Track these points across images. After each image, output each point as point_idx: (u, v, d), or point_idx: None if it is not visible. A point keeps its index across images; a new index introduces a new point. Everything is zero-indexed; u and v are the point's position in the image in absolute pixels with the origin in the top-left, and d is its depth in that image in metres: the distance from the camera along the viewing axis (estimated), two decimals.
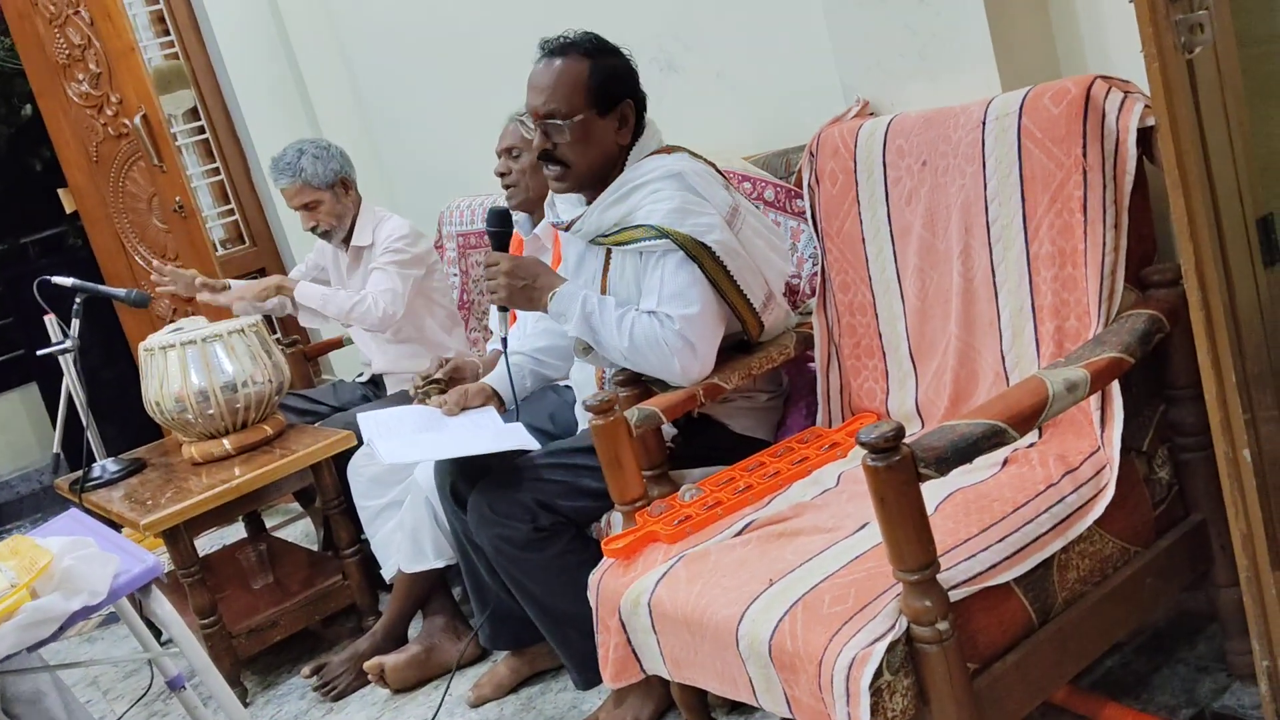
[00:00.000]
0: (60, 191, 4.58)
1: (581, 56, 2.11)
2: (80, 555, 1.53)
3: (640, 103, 2.17)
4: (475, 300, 3.70)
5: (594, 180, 2.17)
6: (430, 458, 2.26)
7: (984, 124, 1.83)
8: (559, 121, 2.10)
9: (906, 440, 1.41)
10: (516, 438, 2.18)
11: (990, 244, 1.83)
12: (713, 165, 2.19)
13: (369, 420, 2.41)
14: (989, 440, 1.46)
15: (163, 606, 1.57)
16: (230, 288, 3.40)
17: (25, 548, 1.63)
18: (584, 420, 2.46)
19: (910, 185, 1.95)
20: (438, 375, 2.68)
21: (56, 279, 3.09)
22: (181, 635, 1.58)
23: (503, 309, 2.30)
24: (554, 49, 2.13)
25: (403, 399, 3.07)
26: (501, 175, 2.81)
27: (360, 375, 3.63)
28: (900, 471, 1.39)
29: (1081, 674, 1.85)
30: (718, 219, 2.07)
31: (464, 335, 3.58)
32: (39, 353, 3.04)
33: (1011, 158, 1.79)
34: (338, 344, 3.97)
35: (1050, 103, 1.74)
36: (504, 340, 2.40)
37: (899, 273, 2.00)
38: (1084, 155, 1.70)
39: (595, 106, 2.11)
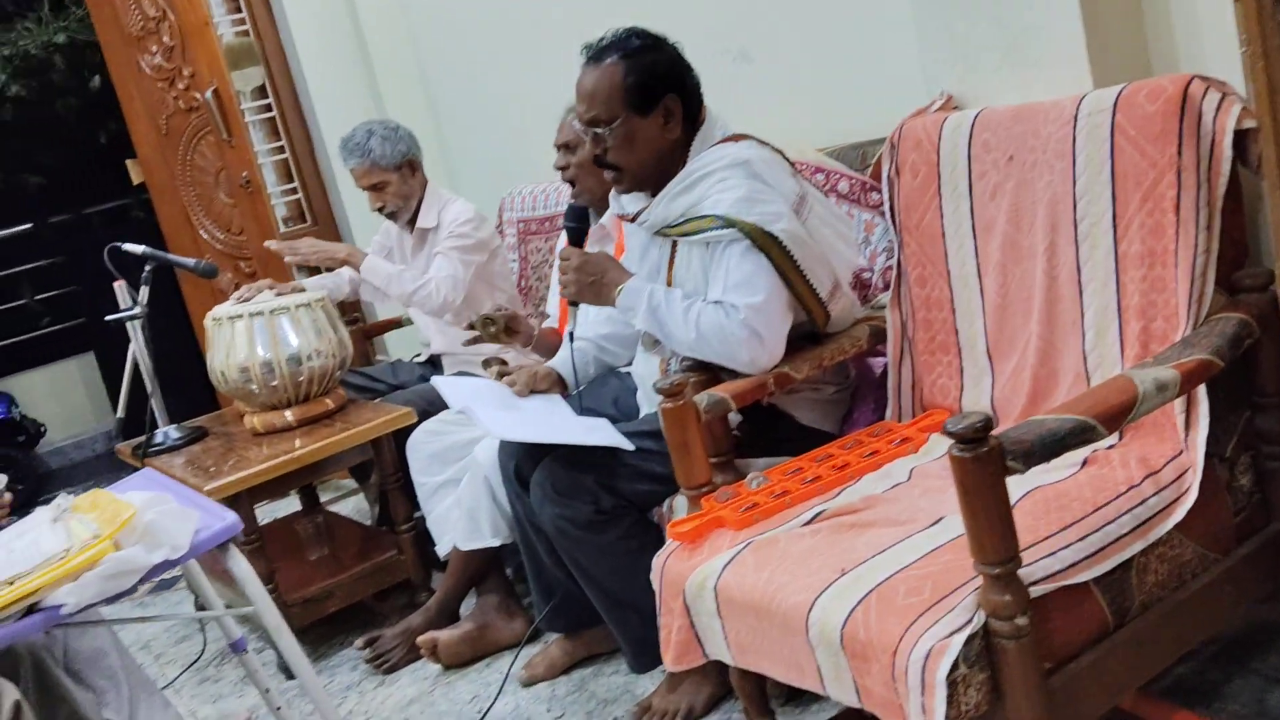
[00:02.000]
0: (129, 163, 4.64)
1: (618, 59, 2.11)
2: (162, 510, 1.55)
3: (689, 93, 2.16)
4: (533, 286, 3.72)
5: (651, 179, 2.18)
6: (535, 439, 2.24)
7: (1075, 120, 1.80)
8: (600, 130, 2.12)
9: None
10: (614, 435, 2.17)
11: (1077, 241, 1.81)
12: (780, 153, 2.18)
13: (452, 387, 2.42)
14: (1076, 436, 1.44)
15: (239, 564, 1.59)
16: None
17: (105, 501, 1.66)
18: (646, 406, 2.46)
19: (995, 180, 1.93)
20: (494, 315, 2.68)
21: (127, 246, 3.12)
22: (257, 593, 1.60)
23: (573, 304, 2.31)
24: (592, 54, 2.15)
25: None
26: (561, 169, 2.82)
27: (418, 355, 3.65)
28: (987, 463, 1.37)
29: (1152, 681, 1.82)
30: (785, 207, 2.06)
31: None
32: (107, 318, 3.07)
33: (1103, 154, 1.77)
34: (396, 324, 3.99)
35: (1146, 100, 1.72)
36: (570, 334, 2.41)
37: (979, 268, 1.98)
38: (1179, 154, 1.68)
39: (635, 108, 2.11)
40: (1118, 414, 1.48)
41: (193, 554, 1.53)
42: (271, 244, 3.42)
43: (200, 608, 3.31)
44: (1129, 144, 1.74)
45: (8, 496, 2.10)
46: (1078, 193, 1.81)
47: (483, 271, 3.35)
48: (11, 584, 1.43)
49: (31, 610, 1.45)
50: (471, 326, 2.73)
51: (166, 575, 3.71)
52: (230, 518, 1.58)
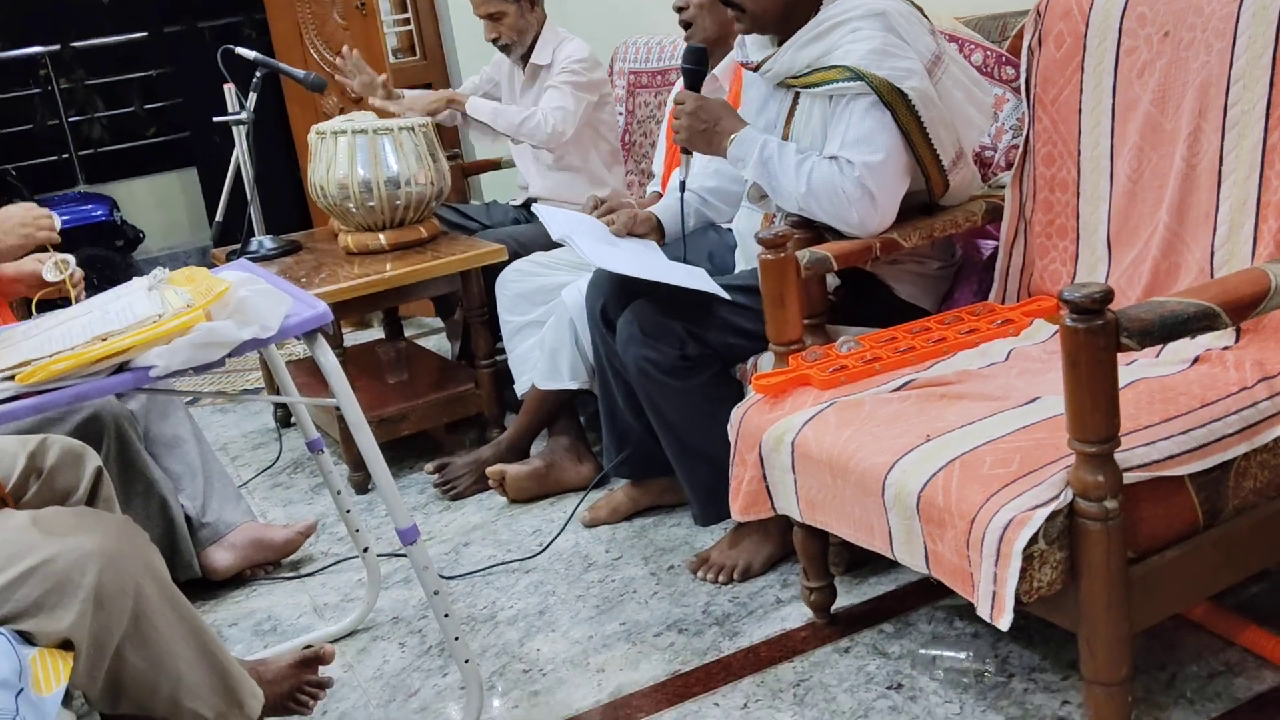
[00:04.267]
0: None
1: None
2: (255, 289, 1.55)
3: None
4: (637, 141, 3.65)
5: (775, 22, 2.09)
6: (633, 273, 2.20)
7: None
8: None
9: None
10: (710, 282, 2.13)
11: (1224, 129, 1.70)
12: (919, 9, 2.08)
13: (552, 215, 2.40)
14: (1199, 322, 1.37)
15: (327, 355, 1.58)
16: (403, 98, 3.39)
17: (201, 276, 1.66)
18: (743, 263, 2.42)
19: (1146, 57, 1.82)
20: (591, 215, 2.66)
21: (240, 50, 3.11)
22: (341, 387, 1.60)
23: (685, 152, 2.25)
24: None
25: None
26: (679, 10, 2.73)
27: (514, 199, 3.63)
28: (1101, 336, 1.31)
29: (1224, 594, 1.77)
30: (918, 65, 1.97)
31: (623, 174, 3.54)
32: (216, 119, 3.08)
33: (1268, 37, 1.65)
34: (494, 165, 3.96)
35: None
36: (682, 184, 2.35)
37: (1113, 150, 1.88)
38: None
39: None
40: (1246, 305, 1.40)
41: (282, 336, 1.52)
42: (375, 102, 3.37)
43: (279, 406, 3.41)
44: None
45: (79, 273, 2.13)
46: (1233, 76, 1.69)
47: (590, 118, 3.30)
48: (104, 339, 1.45)
49: (122, 369, 1.46)
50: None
51: (253, 384, 3.80)
52: (321, 307, 1.57)
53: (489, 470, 2.67)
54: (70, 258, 2.17)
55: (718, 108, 2.18)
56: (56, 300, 2.20)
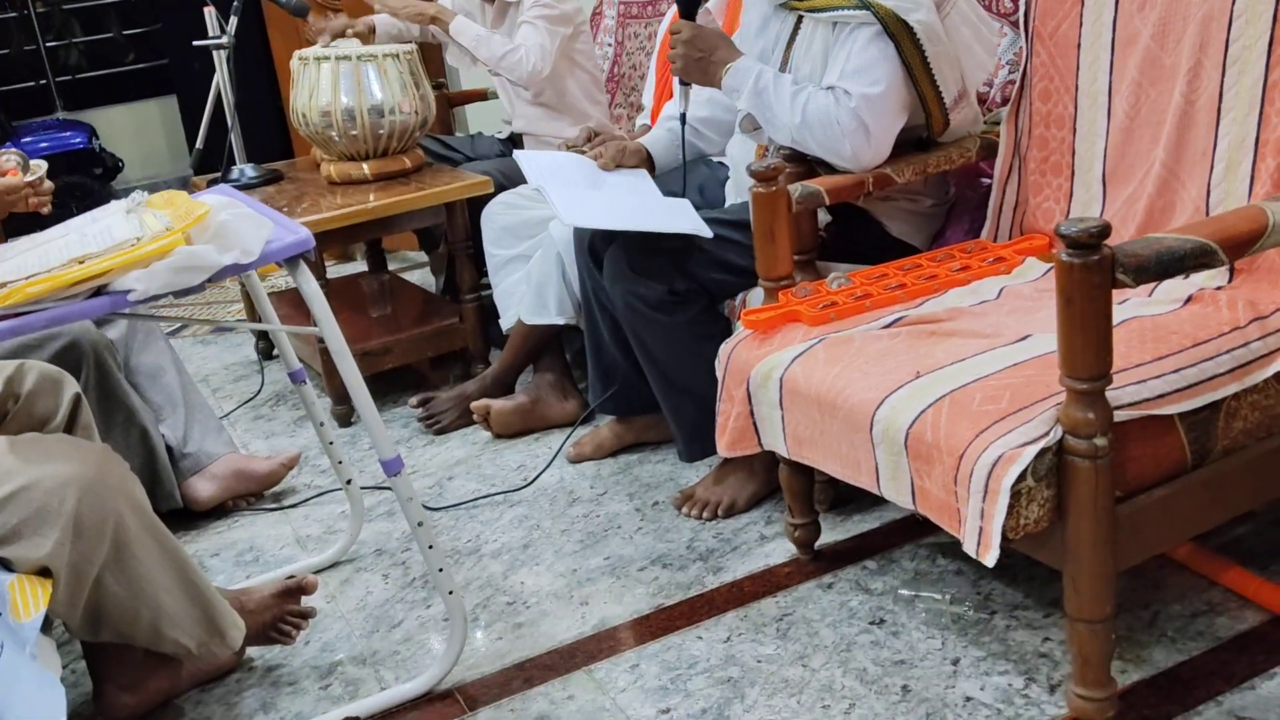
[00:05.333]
0: None
1: None
2: (236, 213, 1.51)
3: None
4: (626, 74, 3.59)
5: None
6: (606, 226, 2.17)
7: None
8: None
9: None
10: (693, 220, 2.10)
11: (1225, 65, 1.67)
12: None
13: (532, 161, 2.35)
14: (1195, 259, 1.35)
15: (309, 282, 1.55)
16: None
17: (180, 200, 1.62)
18: (734, 195, 2.38)
19: None
20: (583, 147, 2.62)
21: None
22: (323, 314, 1.57)
23: (683, 83, 2.22)
24: None
25: None
26: None
27: (499, 132, 3.57)
28: (1096, 273, 1.30)
29: (1208, 535, 1.78)
30: None
31: (607, 107, 3.47)
32: (195, 43, 3.01)
33: None
34: (480, 96, 3.90)
35: None
36: (681, 115, 2.31)
37: (1111, 85, 1.85)
38: None
39: None
40: (1243, 242, 1.38)
41: (263, 261, 1.49)
42: None
43: (261, 339, 3.38)
44: None
45: (49, 184, 2.08)
46: (1235, 11, 1.66)
47: (566, 49, 3.21)
48: (82, 262, 1.41)
49: (99, 293, 1.43)
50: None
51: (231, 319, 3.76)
52: (303, 233, 1.54)
53: (474, 405, 2.66)
54: (43, 164, 2.12)
55: (713, 37, 2.14)
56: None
